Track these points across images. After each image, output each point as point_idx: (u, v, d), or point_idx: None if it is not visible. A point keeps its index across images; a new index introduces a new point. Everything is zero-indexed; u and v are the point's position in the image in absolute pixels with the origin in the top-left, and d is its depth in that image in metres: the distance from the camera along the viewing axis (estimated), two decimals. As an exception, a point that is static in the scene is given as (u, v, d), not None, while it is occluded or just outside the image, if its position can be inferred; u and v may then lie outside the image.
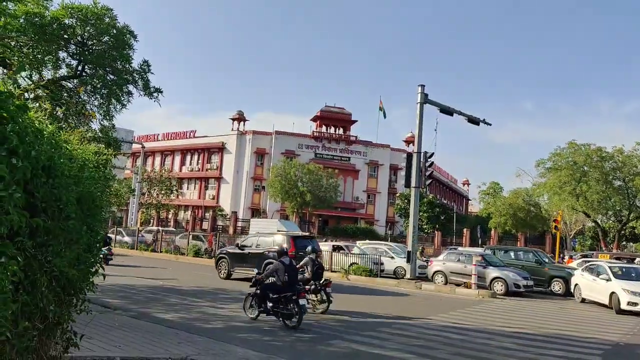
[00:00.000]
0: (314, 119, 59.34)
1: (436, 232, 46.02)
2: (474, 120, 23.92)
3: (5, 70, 11.02)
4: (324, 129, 58.27)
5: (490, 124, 24.72)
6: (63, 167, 2.77)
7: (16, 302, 2.27)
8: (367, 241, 30.16)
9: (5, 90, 1.99)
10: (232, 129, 57.27)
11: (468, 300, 16.68)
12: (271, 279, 10.51)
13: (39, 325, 2.87)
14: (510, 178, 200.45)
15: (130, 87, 13.49)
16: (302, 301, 9.89)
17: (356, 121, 59.50)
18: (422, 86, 21.48)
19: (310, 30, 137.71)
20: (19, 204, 1.91)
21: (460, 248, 30.92)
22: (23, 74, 11.18)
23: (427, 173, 20.73)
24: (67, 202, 2.57)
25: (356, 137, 58.38)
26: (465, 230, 47.69)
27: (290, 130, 57.06)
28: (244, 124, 57.74)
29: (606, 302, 15.60)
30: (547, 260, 22.10)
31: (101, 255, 15.13)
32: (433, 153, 21.10)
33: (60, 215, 2.49)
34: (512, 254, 22.70)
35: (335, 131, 58.43)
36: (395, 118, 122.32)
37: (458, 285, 19.30)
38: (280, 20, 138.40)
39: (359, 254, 22.96)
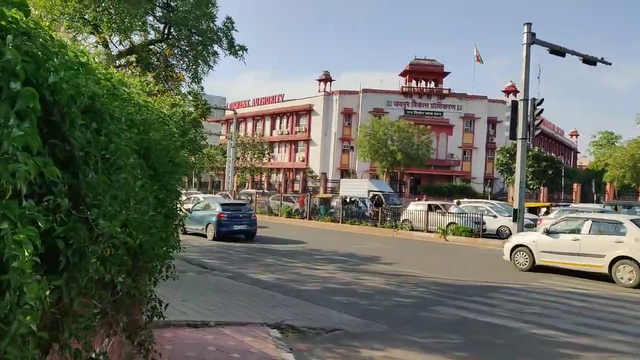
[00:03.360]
0: (403, 74, 56.72)
1: (542, 187, 42.42)
2: (590, 60, 20.94)
3: (97, 39, 11.33)
4: (413, 83, 55.53)
5: (609, 64, 21.62)
6: (113, 108, 2.25)
7: (60, 275, 1.81)
8: (466, 199, 28.49)
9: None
10: (319, 91, 56.79)
11: (586, 262, 14.92)
12: None
13: (108, 297, 2.48)
14: (627, 127, 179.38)
15: (216, 47, 13.33)
16: None
17: (449, 73, 55.91)
18: (529, 24, 19.05)
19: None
20: (29, 146, 1.37)
21: (572, 205, 28.08)
22: (114, 39, 11.43)
23: (536, 123, 18.59)
24: (115, 151, 2.05)
25: (449, 89, 54.97)
26: (575, 185, 43.46)
27: (378, 87, 55.22)
28: (330, 85, 56.96)
29: None
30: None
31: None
32: (542, 99, 18.83)
33: (106, 166, 1.99)
34: (638, 210, 19.97)
35: (426, 85, 55.47)
36: (491, 68, 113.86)
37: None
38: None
39: (458, 212, 21.64)
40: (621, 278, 10.76)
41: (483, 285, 10.49)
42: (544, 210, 24.10)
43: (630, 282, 10.58)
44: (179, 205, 3.98)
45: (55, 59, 1.71)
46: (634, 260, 10.57)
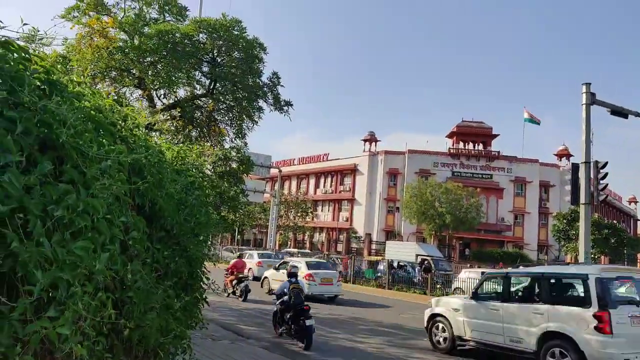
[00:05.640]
0: (450, 135, 56.05)
1: (603, 257, 39.25)
2: (656, 122, 19.57)
3: (141, 93, 11.41)
4: (461, 145, 54.61)
5: (677, 126, 20.08)
6: (88, 142, 1.62)
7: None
8: (521, 267, 26.34)
9: None
10: (364, 151, 56.79)
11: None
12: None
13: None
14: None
15: (261, 102, 13.13)
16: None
17: (497, 135, 54.72)
18: (588, 84, 18.12)
19: (442, 45, 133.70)
20: None
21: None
22: (159, 93, 11.44)
23: (601, 187, 17.13)
24: (75, 206, 1.38)
25: (498, 152, 53.54)
26: (639, 255, 40.02)
27: (424, 148, 54.59)
28: (375, 145, 56.94)
29: None
30: None
31: None
32: (606, 162, 17.46)
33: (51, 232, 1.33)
34: None
35: (474, 147, 54.35)
36: (540, 131, 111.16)
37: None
38: (410, 39, 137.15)
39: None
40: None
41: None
42: None
43: None
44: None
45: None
46: None
